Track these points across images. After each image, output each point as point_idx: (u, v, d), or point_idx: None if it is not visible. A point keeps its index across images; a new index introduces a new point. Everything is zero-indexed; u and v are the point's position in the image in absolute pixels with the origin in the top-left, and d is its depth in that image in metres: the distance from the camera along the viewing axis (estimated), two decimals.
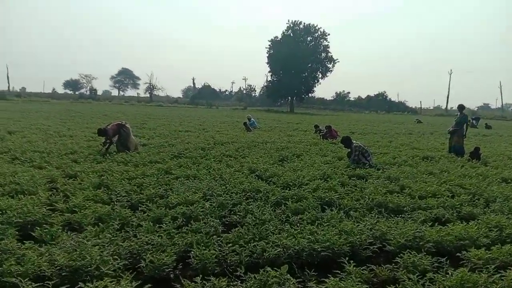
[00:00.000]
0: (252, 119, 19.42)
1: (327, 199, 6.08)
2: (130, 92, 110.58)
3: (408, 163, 9.92)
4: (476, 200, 6.25)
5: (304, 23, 67.10)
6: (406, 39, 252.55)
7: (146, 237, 4.18)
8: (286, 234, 4.39)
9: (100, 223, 4.64)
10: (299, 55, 63.81)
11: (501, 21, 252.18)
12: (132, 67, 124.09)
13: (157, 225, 4.66)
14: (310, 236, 4.26)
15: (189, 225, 4.68)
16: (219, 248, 4.03)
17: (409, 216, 5.45)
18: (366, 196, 6.13)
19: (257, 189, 6.45)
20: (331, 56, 67.98)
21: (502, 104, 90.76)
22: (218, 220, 4.93)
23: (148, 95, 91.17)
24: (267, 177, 7.78)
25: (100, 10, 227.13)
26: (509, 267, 3.69)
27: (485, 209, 5.84)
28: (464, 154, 11.33)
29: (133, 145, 10.50)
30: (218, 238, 4.29)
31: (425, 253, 3.99)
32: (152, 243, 4.04)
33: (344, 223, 4.79)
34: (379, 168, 9.00)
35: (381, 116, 57.01)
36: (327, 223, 4.85)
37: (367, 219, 5.15)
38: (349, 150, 9.75)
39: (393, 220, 5.17)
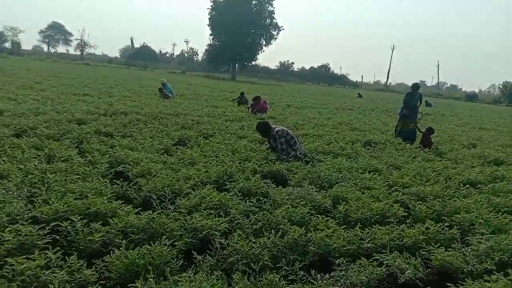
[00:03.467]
0: (167, 84, 16.05)
1: (199, 236, 3.40)
2: (62, 49, 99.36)
3: (346, 151, 7.55)
4: (447, 229, 3.88)
5: None
6: (352, 13, 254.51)
7: None
8: None
9: None
10: (242, 19, 59.69)
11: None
12: (64, 22, 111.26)
13: None
14: None
15: None
16: None
17: (339, 279, 2.95)
18: (273, 229, 3.52)
19: (80, 211, 3.52)
20: (276, 23, 64.81)
21: (438, 81, 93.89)
22: None
23: (79, 53, 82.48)
24: (133, 176, 4.98)
25: None
26: None
27: (463, 249, 3.48)
28: (414, 141, 9.22)
29: None
30: None
31: None
32: None
33: None
34: (309, 160, 6.53)
35: (323, 88, 55.63)
36: None
37: None
38: (268, 139, 7.09)
39: None
